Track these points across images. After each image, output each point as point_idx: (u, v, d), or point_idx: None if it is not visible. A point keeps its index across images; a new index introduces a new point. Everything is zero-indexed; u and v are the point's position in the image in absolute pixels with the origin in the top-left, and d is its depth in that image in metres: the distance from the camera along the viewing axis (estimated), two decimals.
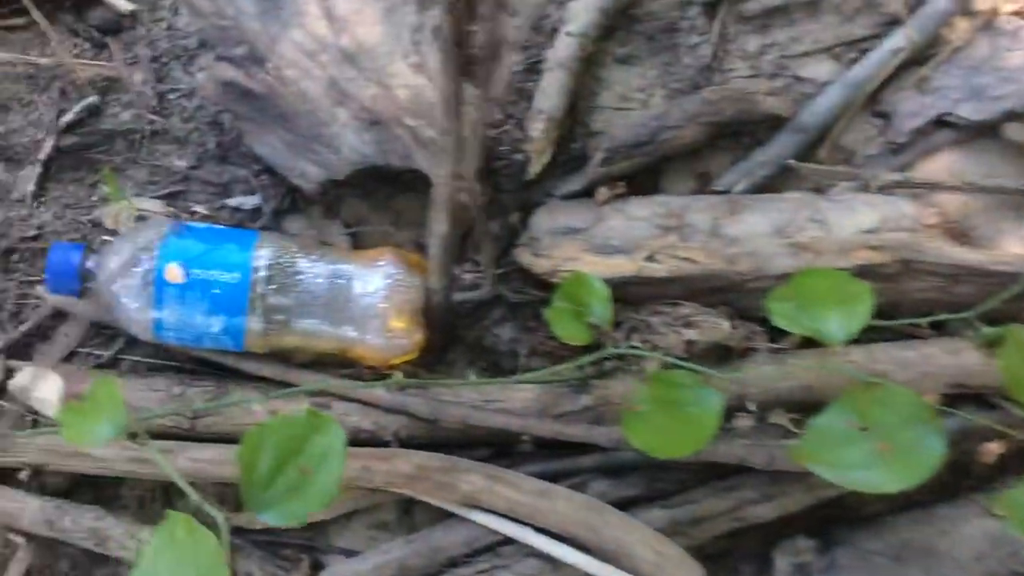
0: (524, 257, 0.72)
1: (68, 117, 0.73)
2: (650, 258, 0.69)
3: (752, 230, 0.69)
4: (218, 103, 0.71)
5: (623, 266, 0.69)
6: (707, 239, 0.69)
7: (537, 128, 0.72)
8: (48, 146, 0.73)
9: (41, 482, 0.70)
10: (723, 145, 0.75)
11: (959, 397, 0.67)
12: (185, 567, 0.44)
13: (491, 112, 0.71)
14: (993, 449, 0.69)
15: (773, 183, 0.74)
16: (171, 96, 0.74)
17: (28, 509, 0.68)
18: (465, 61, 0.53)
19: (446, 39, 0.53)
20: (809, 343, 0.63)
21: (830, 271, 0.62)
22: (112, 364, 0.72)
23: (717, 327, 0.67)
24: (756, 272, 0.67)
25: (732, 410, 0.68)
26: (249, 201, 0.73)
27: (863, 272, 0.65)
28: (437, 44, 0.68)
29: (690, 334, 0.67)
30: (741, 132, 0.75)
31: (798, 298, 0.60)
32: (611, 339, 0.66)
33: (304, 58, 0.69)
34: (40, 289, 0.72)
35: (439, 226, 0.62)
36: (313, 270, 0.66)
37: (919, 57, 0.75)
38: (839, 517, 0.70)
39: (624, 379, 0.69)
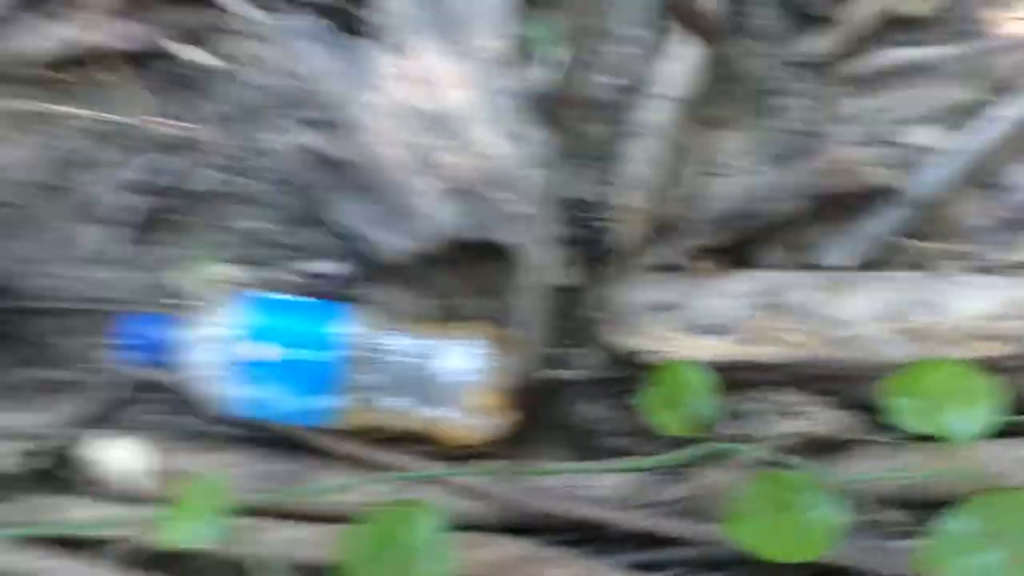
0: (610, 335, 0.68)
1: (149, 176, 0.71)
2: (748, 340, 0.65)
3: (859, 313, 0.65)
4: (297, 169, 0.68)
5: (718, 348, 0.66)
6: (811, 321, 0.66)
7: (625, 197, 0.69)
8: (124, 205, 0.71)
9: (131, 556, 0.68)
10: (825, 215, 0.72)
11: None
12: None
13: (581, 182, 0.69)
14: None
15: (880, 259, 0.70)
16: (253, 158, 0.72)
17: None
18: (554, 130, 0.50)
19: (538, 108, 0.50)
20: (922, 436, 0.60)
21: (950, 362, 0.59)
22: (198, 437, 0.70)
23: (823, 419, 0.63)
24: (864, 360, 0.64)
25: None
26: (332, 268, 0.70)
27: (984, 364, 0.61)
28: (533, 113, 0.66)
29: (793, 425, 0.64)
30: (846, 204, 0.71)
31: (916, 392, 0.57)
32: (713, 432, 0.62)
33: (385, 122, 0.66)
34: (123, 358, 0.70)
35: (526, 302, 0.59)
36: (400, 347, 0.64)
37: None
38: None
39: (721, 469, 0.65)
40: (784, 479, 0.56)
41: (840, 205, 0.71)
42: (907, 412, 0.56)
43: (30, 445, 0.68)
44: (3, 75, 0.73)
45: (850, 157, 0.70)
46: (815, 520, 0.55)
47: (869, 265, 0.69)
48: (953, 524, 0.52)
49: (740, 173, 0.72)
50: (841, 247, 0.70)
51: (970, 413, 0.54)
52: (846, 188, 0.69)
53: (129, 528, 0.66)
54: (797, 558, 0.55)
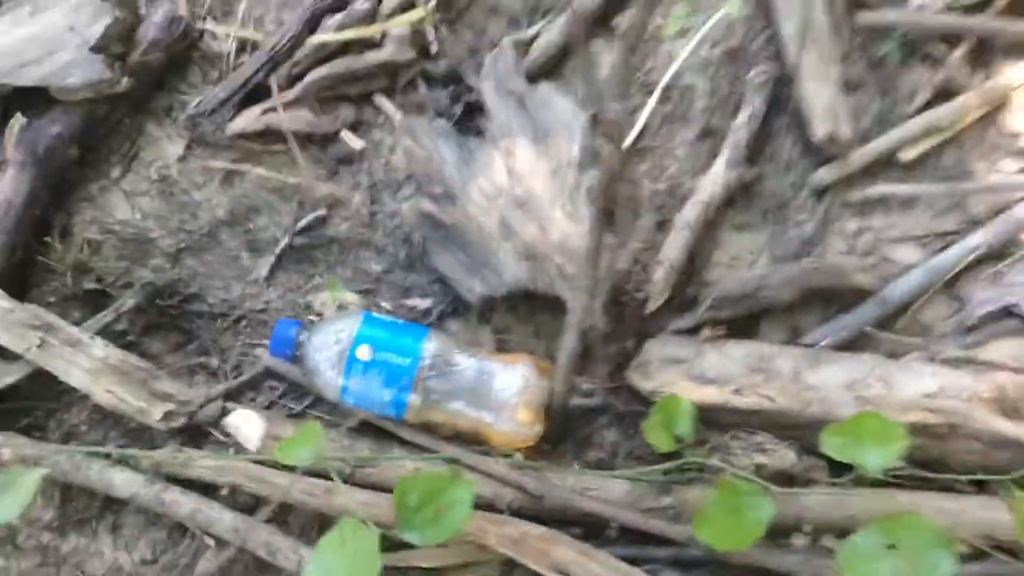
0: (634, 377, 0.88)
1: (301, 223, 0.96)
2: (737, 391, 0.84)
3: (827, 380, 0.83)
4: (415, 228, 0.92)
5: (713, 395, 0.84)
6: (788, 383, 0.83)
7: (659, 274, 0.89)
8: (283, 243, 0.96)
9: (234, 500, 0.90)
10: (815, 306, 0.90)
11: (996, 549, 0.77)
12: (348, 556, 0.61)
13: (625, 259, 0.89)
14: None
15: (853, 345, 0.87)
16: (379, 216, 0.96)
17: (223, 519, 0.88)
18: (609, 217, 0.71)
19: (596, 199, 0.71)
20: (862, 482, 0.76)
21: (875, 415, 0.75)
22: (301, 416, 0.92)
23: (785, 456, 0.80)
24: (824, 415, 0.80)
25: (790, 529, 0.80)
26: (423, 303, 0.93)
27: (915, 429, 0.77)
28: (589, 202, 0.88)
29: (760, 459, 0.81)
30: (832, 298, 0.89)
31: (847, 434, 0.73)
32: (694, 452, 0.80)
33: (485, 199, 0.89)
34: (259, 351, 0.94)
35: (569, 343, 0.80)
36: (465, 364, 0.85)
37: (996, 255, 0.87)
38: None
39: (701, 488, 0.83)
40: (737, 487, 0.74)
41: (829, 299, 0.89)
42: (839, 448, 0.73)
43: (172, 407, 0.91)
44: (217, 143, 1.00)
45: (839, 263, 0.88)
46: (752, 518, 0.71)
47: (843, 348, 0.87)
48: (863, 538, 0.68)
49: (751, 266, 0.92)
50: (825, 331, 0.88)
51: (884, 452, 0.70)
52: (834, 285, 0.87)
53: (240, 477, 0.88)
54: (735, 546, 0.72)
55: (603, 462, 0.89)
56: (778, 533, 0.80)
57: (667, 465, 0.80)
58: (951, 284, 0.88)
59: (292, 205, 0.98)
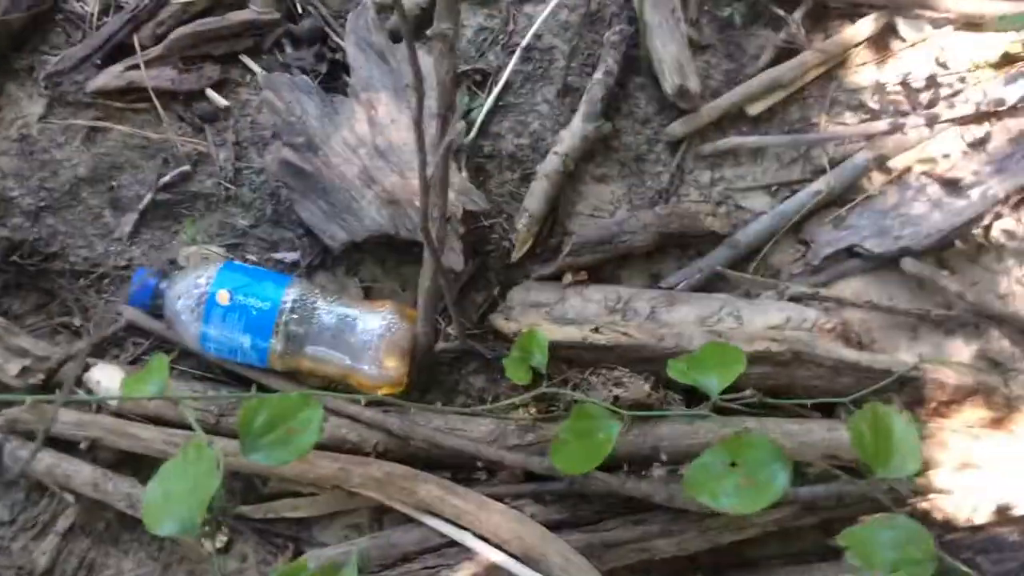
0: (498, 321, 0.89)
1: (165, 179, 0.95)
2: (595, 330, 0.86)
3: (681, 318, 0.86)
4: (276, 176, 0.92)
5: (572, 333, 0.86)
6: (644, 321, 0.86)
7: (522, 223, 0.91)
8: (147, 199, 0.95)
9: (95, 455, 0.87)
10: (671, 252, 0.93)
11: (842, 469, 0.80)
12: (189, 474, 0.61)
13: (491, 208, 0.91)
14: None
15: (708, 287, 0.91)
16: (245, 171, 0.96)
17: (81, 473, 0.86)
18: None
19: (440, 129, 0.73)
20: (715, 412, 0.79)
21: (718, 344, 0.78)
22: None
23: (640, 388, 0.83)
24: (677, 348, 0.83)
25: (648, 460, 0.83)
26: (291, 256, 0.93)
27: (761, 357, 0.81)
28: (436, 133, 0.89)
29: (617, 391, 0.83)
30: (687, 244, 0.93)
31: (692, 362, 0.76)
32: (549, 382, 0.82)
33: (347, 150, 0.90)
34: (122, 307, 0.92)
35: (424, 282, 0.81)
36: (327, 309, 0.85)
37: (838, 200, 0.92)
38: (736, 564, 0.83)
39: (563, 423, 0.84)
40: (587, 411, 0.76)
41: (684, 244, 0.93)
42: (682, 372, 0.75)
43: (28, 362, 0.88)
44: (78, 101, 0.98)
45: (692, 208, 0.92)
46: (600, 440, 0.73)
47: (698, 289, 0.90)
48: (707, 458, 0.70)
49: (610, 215, 0.94)
50: (680, 274, 0.91)
51: (723, 374, 0.73)
52: (687, 231, 0.91)
53: (100, 431, 0.86)
54: (584, 469, 0.73)
55: (471, 408, 0.89)
56: (637, 464, 0.83)
57: (524, 396, 0.82)
58: (798, 228, 0.93)
59: (156, 162, 0.97)
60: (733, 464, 0.69)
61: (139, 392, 0.70)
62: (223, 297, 0.83)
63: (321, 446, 0.84)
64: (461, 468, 0.85)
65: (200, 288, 0.84)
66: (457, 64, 0.64)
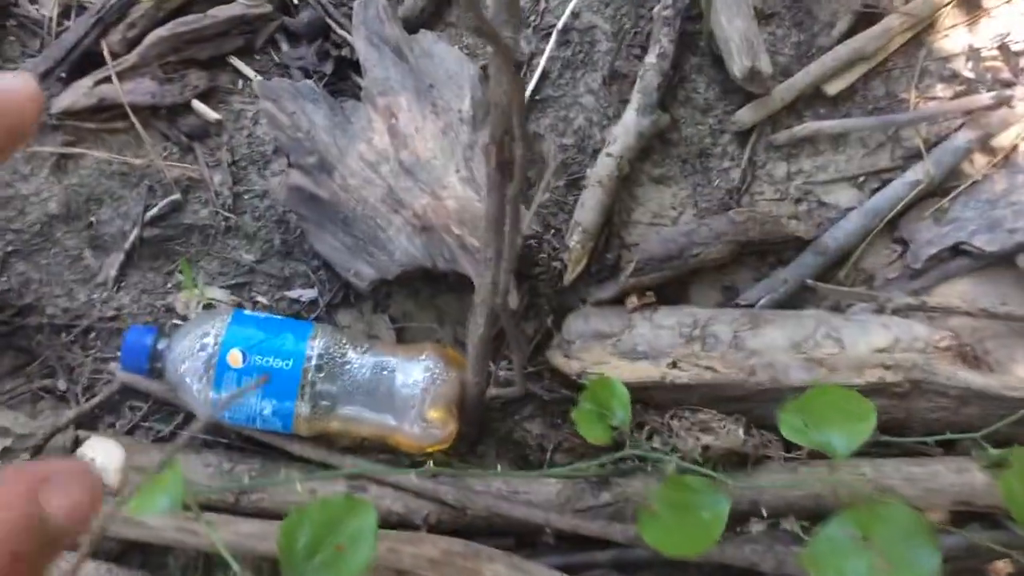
0: (556, 358, 0.77)
1: (153, 212, 0.81)
2: (674, 365, 0.73)
3: (771, 343, 0.73)
4: (287, 205, 0.79)
5: (648, 371, 0.74)
6: (728, 350, 0.74)
7: (574, 239, 0.78)
8: (132, 236, 0.81)
9: (97, 546, 0.75)
10: (748, 262, 0.81)
11: (969, 515, 0.69)
12: None
13: (530, 224, 0.78)
14: (1001, 568, 0.71)
15: (794, 300, 0.78)
16: (246, 196, 0.82)
17: (82, 569, 0.73)
18: (508, 179, 0.59)
19: (493, 160, 0.60)
20: (820, 454, 0.67)
21: (838, 389, 0.66)
22: (170, 439, 0.78)
23: (733, 434, 0.71)
24: (772, 383, 0.71)
25: (746, 515, 0.71)
26: (307, 294, 0.80)
27: (875, 390, 0.69)
28: (486, 161, 0.76)
29: (707, 439, 0.71)
30: (766, 251, 0.80)
31: (807, 412, 0.63)
32: (632, 440, 0.70)
33: (367, 168, 0.76)
34: (113, 366, 0.79)
35: (477, 328, 0.68)
36: (359, 361, 0.72)
37: (938, 189, 0.80)
38: None
39: (643, 478, 0.72)
40: (686, 482, 0.63)
41: (762, 252, 0.80)
42: (799, 430, 0.63)
43: (8, 442, 0.76)
44: (42, 124, 0.84)
45: (771, 211, 0.79)
46: (707, 519, 0.61)
47: (783, 304, 0.78)
48: (832, 529, 0.59)
49: (674, 223, 0.81)
50: (761, 288, 0.79)
51: (851, 432, 0.61)
52: (767, 237, 0.78)
53: (105, 522, 0.73)
54: (689, 552, 0.61)
55: (529, 460, 0.78)
56: (733, 520, 0.71)
57: (604, 459, 0.70)
58: (892, 225, 0.80)
59: (140, 191, 0.83)
60: (864, 538, 0.58)
61: (151, 509, 0.57)
62: (236, 359, 0.70)
63: None
64: (525, 535, 0.73)
65: (208, 349, 0.71)
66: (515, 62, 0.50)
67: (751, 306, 0.78)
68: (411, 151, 0.77)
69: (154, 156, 0.82)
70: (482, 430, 0.78)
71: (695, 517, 0.62)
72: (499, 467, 0.77)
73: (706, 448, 0.71)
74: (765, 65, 0.79)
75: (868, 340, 0.72)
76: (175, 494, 0.57)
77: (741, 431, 0.71)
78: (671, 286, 0.80)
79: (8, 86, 0.24)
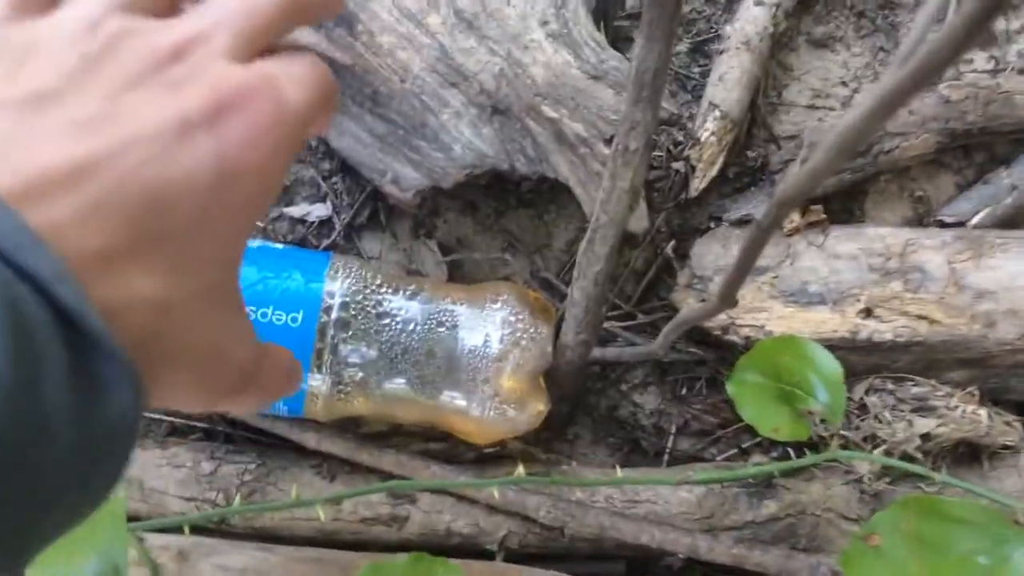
0: (684, 302, 0.53)
1: None
2: (867, 313, 0.50)
3: (1010, 280, 0.50)
4: None
5: (829, 322, 0.50)
6: (947, 287, 0.50)
7: (707, 128, 0.53)
8: None
9: None
10: (946, 161, 0.56)
11: None
12: None
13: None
14: None
15: (1021, 215, 0.54)
16: None
17: None
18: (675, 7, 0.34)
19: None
20: None
21: None
22: (152, 427, 0.53)
23: (971, 418, 0.47)
24: (1018, 341, 0.48)
25: None
26: (316, 211, 0.54)
27: None
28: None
29: (927, 424, 0.48)
30: (973, 145, 0.55)
31: None
32: (829, 432, 0.46)
33: (405, 20, 0.50)
34: None
35: (595, 260, 0.43)
36: (403, 310, 0.48)
37: None
38: None
39: (823, 481, 0.49)
40: (935, 506, 0.40)
41: (964, 147, 0.55)
42: None
43: None
44: None
45: (1000, 85, 0.54)
46: (986, 571, 0.38)
47: (1008, 222, 0.53)
48: None
49: (845, 104, 0.57)
50: (973, 198, 0.55)
51: None
52: (992, 124, 0.53)
53: None
54: None
55: (641, 447, 0.54)
56: None
57: (776, 466, 0.46)
58: None
59: None
60: None
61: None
62: None
63: (409, 544, 0.49)
64: (643, 559, 0.51)
65: None
66: None
67: (961, 224, 0.54)
68: None
69: None
70: (576, 405, 0.54)
71: (962, 564, 0.39)
72: (602, 460, 0.54)
73: (925, 437, 0.47)
74: None
75: None
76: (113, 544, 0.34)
77: (983, 413, 0.47)
78: (837, 199, 0.56)
79: None
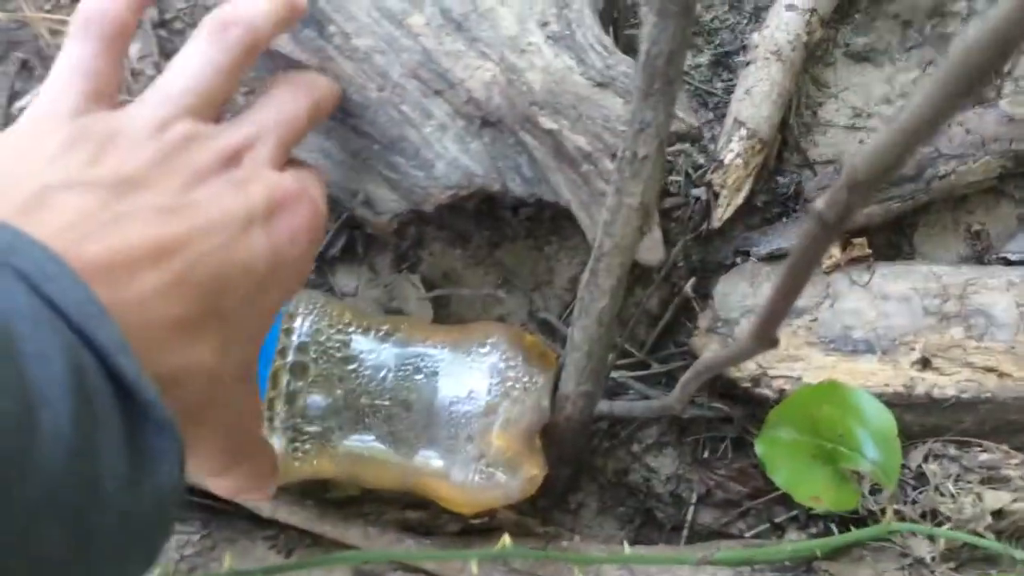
0: (706, 347, 0.45)
1: (22, 102, 0.49)
2: (924, 364, 0.42)
3: None
4: (246, 84, 0.46)
5: (878, 374, 0.42)
6: (1016, 338, 0.42)
7: (732, 149, 0.46)
8: None
9: None
10: (1007, 191, 0.49)
11: None
12: None
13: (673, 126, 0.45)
14: None
15: None
16: None
17: None
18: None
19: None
20: None
21: None
22: None
23: None
24: None
25: None
26: None
27: None
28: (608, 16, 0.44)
29: (999, 498, 0.40)
30: None
31: None
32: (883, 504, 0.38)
33: (385, 20, 0.44)
34: None
35: (600, 296, 0.36)
36: (375, 355, 0.41)
37: None
38: None
39: (872, 563, 0.41)
40: None
41: None
42: None
43: None
44: None
45: None
46: None
47: None
48: None
49: (890, 123, 0.49)
50: None
51: None
52: None
53: None
54: None
55: (656, 519, 0.46)
56: None
57: (816, 543, 0.38)
58: None
59: (5, 68, 0.50)
60: None
61: None
62: None
63: None
64: None
65: None
66: None
67: None
68: None
69: (28, 8, 0.50)
70: (579, 469, 0.46)
71: None
72: (608, 531, 0.46)
73: (998, 514, 0.39)
74: None
75: None
76: None
77: None
78: (883, 232, 0.48)
79: None
